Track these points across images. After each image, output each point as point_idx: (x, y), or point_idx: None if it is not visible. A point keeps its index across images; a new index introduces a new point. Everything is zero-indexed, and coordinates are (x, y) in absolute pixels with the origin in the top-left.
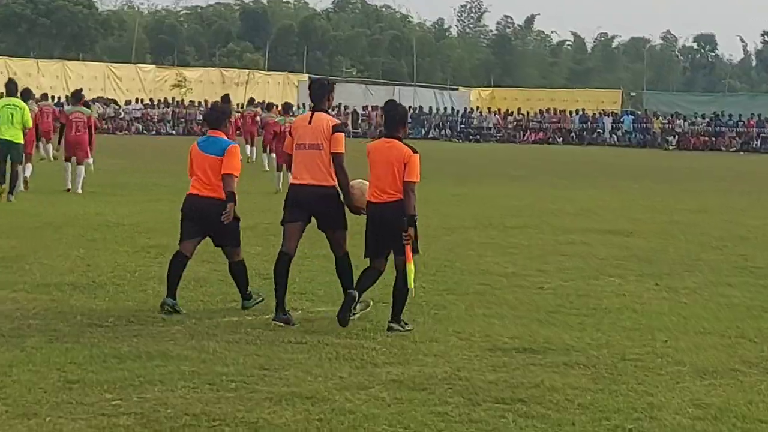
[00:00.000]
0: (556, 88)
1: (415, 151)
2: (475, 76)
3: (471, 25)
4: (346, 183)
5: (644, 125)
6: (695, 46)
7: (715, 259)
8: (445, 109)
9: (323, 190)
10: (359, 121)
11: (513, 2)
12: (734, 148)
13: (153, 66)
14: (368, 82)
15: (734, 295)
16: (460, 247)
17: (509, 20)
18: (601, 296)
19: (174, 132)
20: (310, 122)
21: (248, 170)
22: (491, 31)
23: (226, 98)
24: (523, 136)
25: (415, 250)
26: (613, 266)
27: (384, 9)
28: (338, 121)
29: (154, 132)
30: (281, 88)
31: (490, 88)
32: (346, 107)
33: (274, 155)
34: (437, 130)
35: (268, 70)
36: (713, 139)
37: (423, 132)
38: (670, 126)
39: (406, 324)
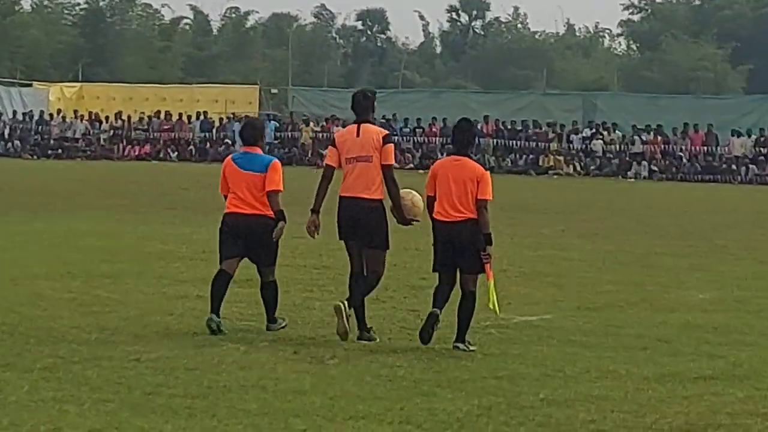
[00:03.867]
0: (168, 84)
1: (486, 169)
2: (56, 67)
3: None
4: (398, 195)
5: (290, 134)
6: (359, 26)
7: (378, 316)
8: (14, 112)
9: (370, 203)
10: None
11: None
12: (410, 165)
13: None
14: None
15: (400, 365)
16: (24, 305)
17: None
18: (219, 370)
19: None
20: (357, 135)
21: None
22: (79, 4)
23: None
24: (124, 149)
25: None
26: (238, 328)
27: None
28: (387, 132)
29: None
30: None
31: (78, 84)
32: None
33: None
34: (4, 142)
35: None
36: None
37: None
38: (325, 135)
39: (471, 344)
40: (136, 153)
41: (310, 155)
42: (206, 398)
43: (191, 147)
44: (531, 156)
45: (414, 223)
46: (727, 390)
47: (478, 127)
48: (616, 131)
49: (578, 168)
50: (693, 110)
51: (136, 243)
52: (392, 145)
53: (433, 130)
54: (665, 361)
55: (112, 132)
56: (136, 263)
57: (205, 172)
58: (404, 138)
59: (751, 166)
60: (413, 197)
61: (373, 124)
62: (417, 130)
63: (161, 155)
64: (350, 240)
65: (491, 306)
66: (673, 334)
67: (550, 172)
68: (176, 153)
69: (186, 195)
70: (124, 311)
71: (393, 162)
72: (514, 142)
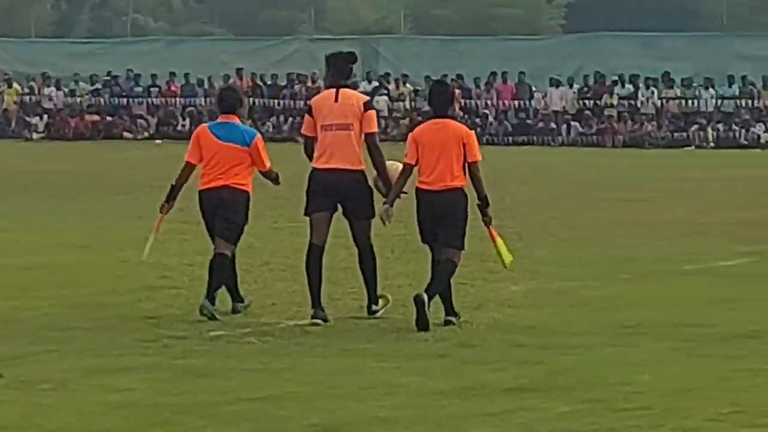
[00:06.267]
0: None
1: (470, 128)
2: None
3: None
4: (384, 164)
5: None
6: None
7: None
8: None
9: (354, 175)
10: None
11: None
12: (146, 134)
13: None
14: None
15: (135, 388)
16: None
17: None
18: None
19: None
20: (336, 100)
21: None
22: None
23: None
24: None
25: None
26: None
27: None
28: (368, 98)
29: None
30: None
31: None
32: None
33: None
34: None
35: None
36: (109, 118)
37: None
38: (34, 99)
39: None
40: None
41: (14, 125)
42: None
43: None
44: (298, 119)
45: (402, 196)
46: (545, 404)
47: (230, 82)
48: (406, 84)
49: None
50: (499, 55)
51: None
52: (374, 111)
53: (172, 89)
54: (468, 370)
55: None
56: None
57: None
58: (135, 101)
59: (573, 123)
60: (397, 167)
61: (352, 89)
62: (152, 89)
63: None
64: (319, 213)
65: (506, 261)
66: (479, 338)
67: None
68: None
69: None
70: None
71: (376, 130)
72: (277, 101)
